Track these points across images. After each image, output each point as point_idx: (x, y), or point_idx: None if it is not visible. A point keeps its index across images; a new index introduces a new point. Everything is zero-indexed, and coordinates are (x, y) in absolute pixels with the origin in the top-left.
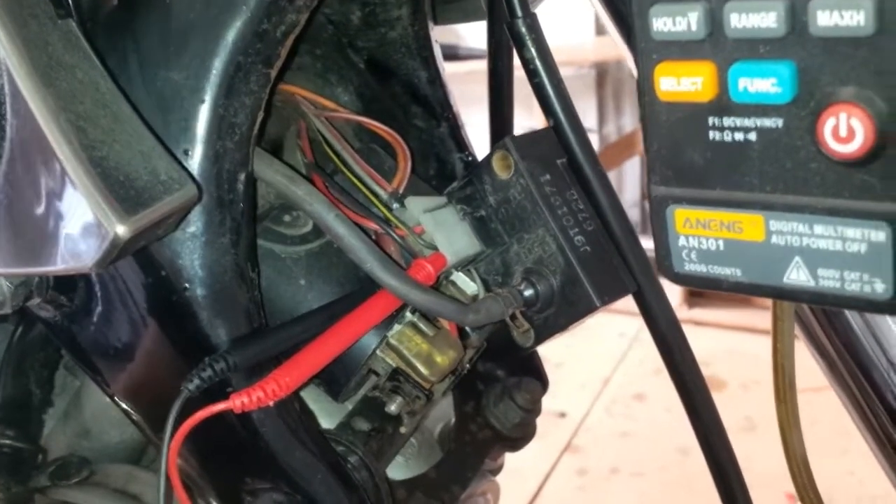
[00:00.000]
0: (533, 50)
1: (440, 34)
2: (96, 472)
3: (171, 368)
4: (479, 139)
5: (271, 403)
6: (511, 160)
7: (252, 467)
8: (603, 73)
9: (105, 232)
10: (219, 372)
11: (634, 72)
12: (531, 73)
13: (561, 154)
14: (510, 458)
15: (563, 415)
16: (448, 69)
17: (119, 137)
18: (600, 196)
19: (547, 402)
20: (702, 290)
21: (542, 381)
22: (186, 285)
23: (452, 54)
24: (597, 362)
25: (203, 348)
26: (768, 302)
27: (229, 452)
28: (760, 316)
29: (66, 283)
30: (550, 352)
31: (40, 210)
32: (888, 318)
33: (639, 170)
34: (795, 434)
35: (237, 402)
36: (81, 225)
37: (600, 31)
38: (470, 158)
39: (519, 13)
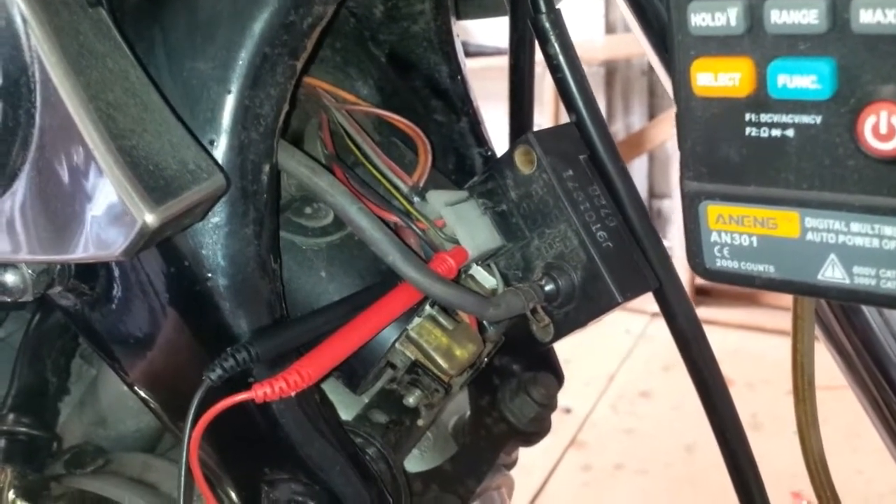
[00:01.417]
0: (557, 45)
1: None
2: (112, 461)
3: (192, 358)
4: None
5: (293, 394)
6: (534, 155)
7: (271, 457)
8: (612, 72)
9: (133, 220)
10: (241, 362)
11: (656, 66)
12: (554, 69)
13: (583, 150)
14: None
15: (568, 411)
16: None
17: (148, 127)
18: (622, 192)
19: None
20: (734, 285)
21: (557, 377)
22: (209, 275)
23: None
24: (603, 359)
25: (224, 338)
26: (776, 301)
27: (248, 442)
28: (767, 315)
29: (88, 272)
30: (557, 348)
31: (68, 198)
32: None
33: (646, 168)
34: (814, 434)
35: (259, 392)
36: (110, 213)
37: (610, 29)
38: (489, 153)
39: (543, 9)
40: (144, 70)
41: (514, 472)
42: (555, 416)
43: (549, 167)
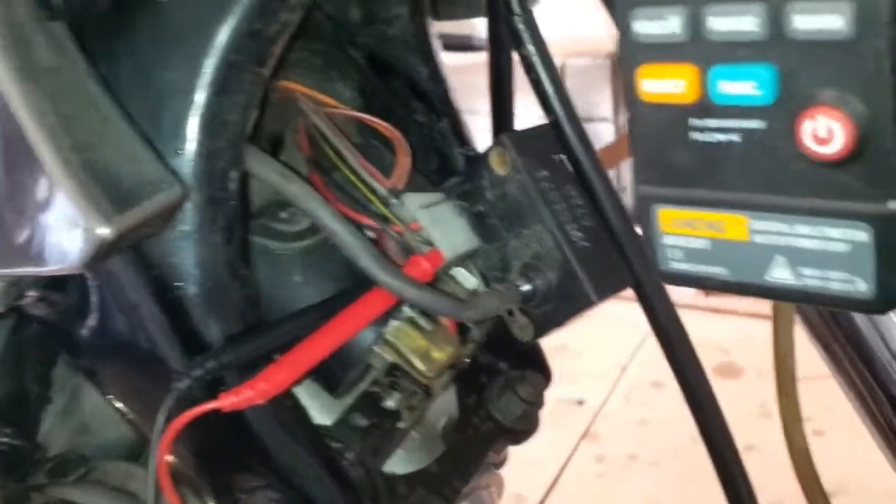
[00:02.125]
0: (530, 46)
1: (455, 26)
2: (94, 470)
3: (165, 368)
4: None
5: (262, 402)
6: (508, 157)
7: (246, 465)
8: (618, 64)
9: (90, 233)
10: (210, 370)
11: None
12: (529, 69)
13: (558, 150)
14: (527, 447)
15: (581, 402)
16: (463, 60)
17: (105, 139)
18: (599, 191)
19: (565, 389)
20: (690, 287)
21: (545, 374)
22: (179, 283)
23: (467, 45)
24: (615, 350)
25: (196, 347)
26: None
27: (224, 450)
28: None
29: (60, 282)
30: (570, 340)
31: (25, 211)
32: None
33: None
34: (798, 428)
35: (226, 401)
36: (67, 226)
37: None
38: (471, 153)
39: (516, 10)
40: (104, 82)
41: (527, 465)
42: (568, 408)
43: (523, 168)
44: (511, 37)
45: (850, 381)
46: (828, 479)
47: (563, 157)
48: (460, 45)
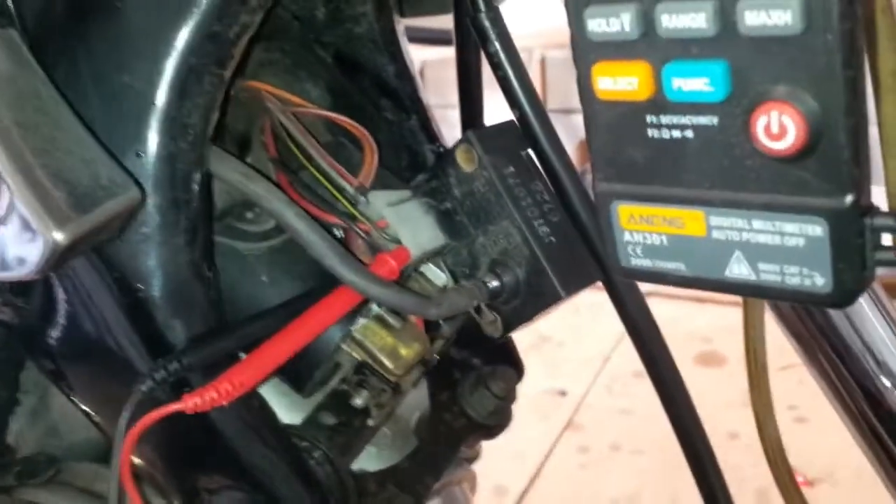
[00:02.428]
0: (497, 44)
1: (435, 21)
2: (63, 471)
3: (129, 370)
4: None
5: (225, 403)
6: (474, 153)
7: (212, 465)
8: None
9: (44, 238)
10: (172, 372)
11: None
12: (495, 67)
13: (525, 146)
14: (510, 438)
15: (563, 393)
16: (443, 54)
17: (60, 144)
18: (567, 186)
19: (548, 380)
20: (649, 283)
21: (517, 369)
22: (141, 286)
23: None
24: (597, 340)
25: (160, 348)
26: None
27: (190, 451)
28: None
29: (23, 286)
30: (552, 331)
31: None
32: (861, 301)
33: None
34: (770, 419)
35: (189, 403)
36: (21, 232)
37: None
38: (441, 150)
39: (482, 7)
40: (58, 88)
41: (510, 456)
42: (550, 399)
43: (489, 165)
44: (477, 34)
45: (824, 371)
46: (814, 466)
47: (529, 153)
48: (440, 39)
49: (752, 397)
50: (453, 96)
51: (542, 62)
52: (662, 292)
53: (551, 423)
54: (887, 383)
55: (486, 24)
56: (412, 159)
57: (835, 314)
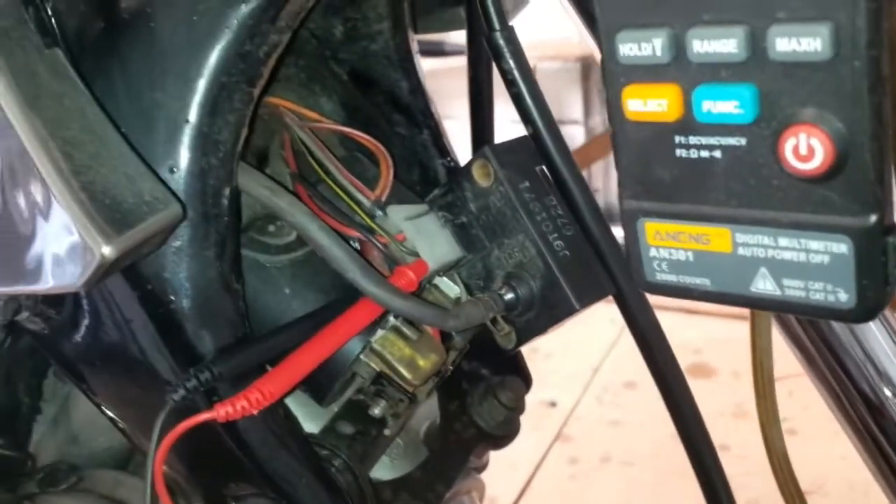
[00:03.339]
0: (511, 62)
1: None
2: (84, 479)
3: (157, 378)
4: (464, 132)
5: (255, 412)
6: (490, 168)
7: (237, 473)
8: (588, 67)
9: (92, 253)
10: (203, 382)
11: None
12: (510, 84)
13: (539, 161)
14: (500, 449)
15: (553, 404)
16: (434, 65)
17: (105, 161)
18: (579, 201)
19: (537, 391)
20: (674, 297)
21: (525, 380)
22: (172, 298)
23: (439, 50)
24: (587, 351)
25: (189, 359)
26: None
27: (215, 459)
28: None
29: (55, 298)
30: (540, 342)
31: (29, 232)
32: None
33: None
34: (775, 430)
35: (221, 412)
36: (69, 246)
37: None
38: (452, 164)
39: (497, 26)
40: (101, 106)
41: (500, 468)
42: (540, 410)
43: (505, 180)
44: (491, 52)
45: (825, 380)
46: (804, 478)
47: (543, 168)
48: (433, 50)
49: (759, 408)
50: (450, 108)
51: (535, 73)
52: (652, 304)
53: (541, 435)
54: (888, 393)
55: (501, 42)
56: (424, 173)
57: (837, 325)
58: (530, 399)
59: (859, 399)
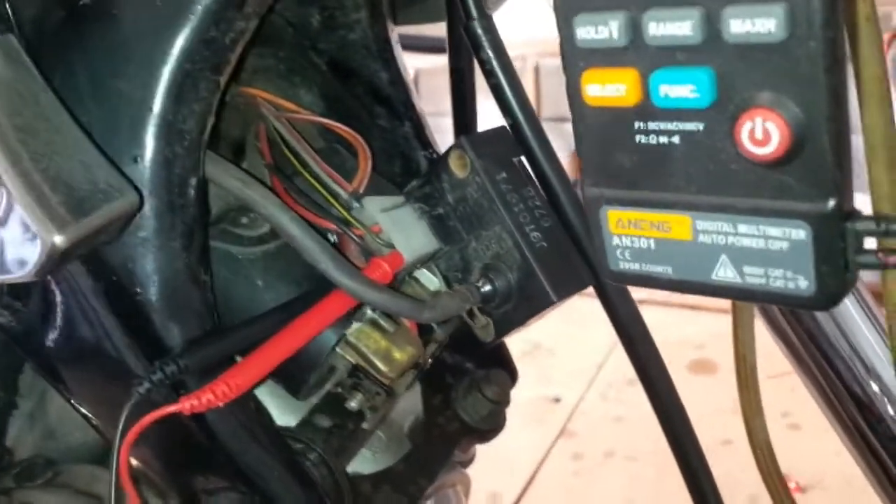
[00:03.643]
0: (490, 51)
1: (429, 28)
2: (61, 473)
3: (127, 373)
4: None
5: (222, 405)
6: (467, 159)
7: (209, 467)
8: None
9: (43, 241)
10: (169, 375)
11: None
12: (488, 74)
13: (517, 152)
14: (503, 445)
15: (557, 400)
16: (433, 62)
17: (59, 149)
18: (559, 192)
19: (541, 387)
20: (637, 286)
21: (510, 373)
22: (138, 289)
23: (439, 46)
24: (591, 347)
25: (156, 351)
26: None
27: (186, 452)
28: None
29: (21, 290)
30: (544, 338)
31: None
32: (850, 307)
33: None
34: (759, 421)
35: (187, 404)
36: (21, 235)
37: None
38: (434, 156)
39: (475, 15)
40: (57, 94)
41: (503, 464)
42: (544, 406)
43: (482, 170)
44: (470, 41)
45: (812, 376)
46: (804, 473)
47: (522, 159)
48: (433, 46)
49: (742, 401)
50: (447, 104)
51: (536, 70)
52: (655, 299)
53: (545, 431)
54: (876, 388)
55: (479, 31)
56: (406, 165)
57: (823, 319)
58: (534, 395)
59: (847, 394)
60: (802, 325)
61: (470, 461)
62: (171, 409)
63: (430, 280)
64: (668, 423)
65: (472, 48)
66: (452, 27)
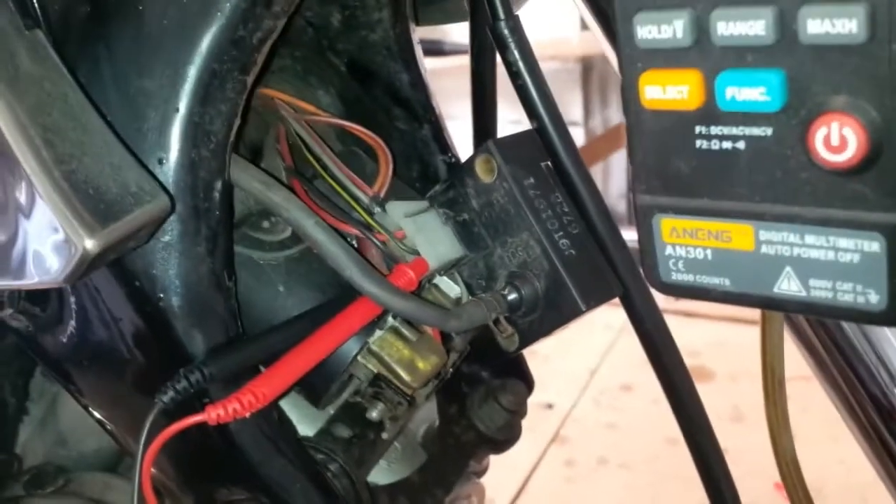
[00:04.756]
0: (516, 52)
1: (425, 30)
2: (72, 481)
3: (146, 379)
4: (464, 133)
5: (248, 415)
6: (494, 164)
7: (229, 477)
8: (588, 68)
9: (74, 247)
10: (194, 383)
11: (616, 67)
12: (514, 76)
13: (544, 157)
14: (501, 453)
15: (550, 406)
16: (434, 65)
17: (88, 150)
18: (585, 198)
19: (534, 393)
20: (690, 299)
21: (527, 383)
22: (161, 295)
23: (438, 49)
24: (584, 354)
25: (179, 359)
26: None
27: (206, 462)
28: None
29: (39, 295)
30: (539, 344)
31: (8, 225)
32: None
33: (625, 162)
34: (785, 434)
35: (213, 414)
36: (50, 240)
37: (585, 26)
38: (453, 160)
39: (502, 15)
40: (85, 92)
41: (496, 470)
42: (537, 412)
43: (509, 175)
44: (496, 42)
45: (835, 383)
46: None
47: (549, 164)
48: (431, 50)
49: (768, 411)
50: (450, 108)
51: None
52: None
53: (538, 437)
54: None
55: (506, 31)
56: (424, 170)
57: (849, 327)
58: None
59: (870, 402)
60: (827, 331)
61: (484, 471)
62: (197, 418)
63: (450, 287)
64: (693, 436)
65: (498, 49)
66: (476, 28)
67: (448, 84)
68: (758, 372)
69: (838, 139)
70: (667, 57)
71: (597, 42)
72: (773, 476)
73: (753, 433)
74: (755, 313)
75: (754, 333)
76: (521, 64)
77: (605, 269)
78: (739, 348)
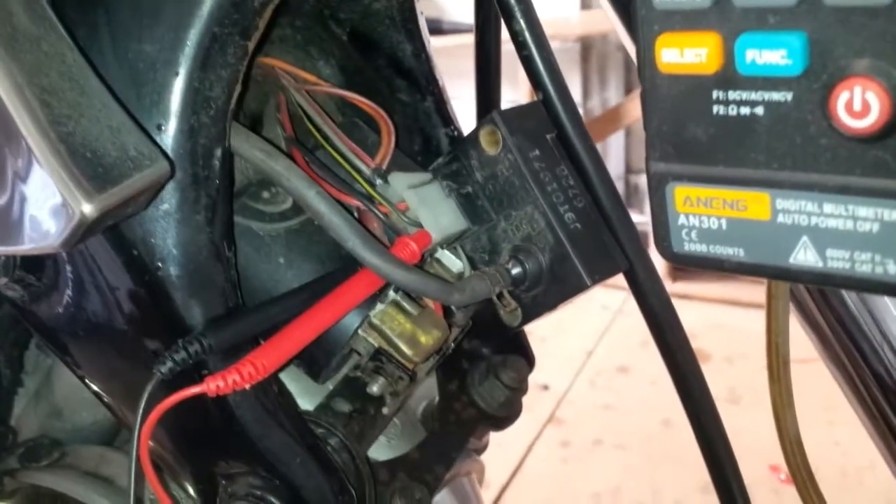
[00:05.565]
0: (522, 22)
1: (423, 9)
2: (68, 454)
3: (144, 350)
4: (462, 113)
5: (247, 387)
6: (499, 135)
7: (228, 451)
8: (588, 48)
9: (71, 211)
10: (193, 354)
11: (626, 43)
12: (520, 46)
13: (550, 128)
14: (501, 430)
15: (546, 387)
16: (432, 43)
17: (86, 112)
18: (591, 171)
19: (530, 374)
20: (703, 269)
21: (528, 360)
22: (159, 264)
23: (436, 28)
24: (580, 335)
25: (177, 329)
26: None
27: (205, 435)
28: (746, 289)
29: (34, 263)
30: (534, 325)
31: (4, 188)
32: None
33: (623, 144)
34: (789, 413)
35: (212, 385)
36: (47, 204)
37: (585, 4)
38: (456, 133)
39: None
40: (83, 52)
41: (491, 450)
42: (532, 393)
43: (514, 147)
44: (502, 12)
45: (839, 361)
46: None
47: (554, 136)
48: (430, 28)
49: (772, 390)
50: (449, 86)
51: None
52: None
53: (534, 417)
54: None
55: (512, 1)
56: (426, 143)
57: (854, 304)
58: None
59: (874, 381)
60: (832, 310)
61: (484, 448)
62: (195, 390)
63: (452, 261)
64: (698, 416)
65: (504, 18)
66: None
67: (447, 63)
68: (754, 354)
69: (860, 104)
70: (685, 18)
71: (596, 22)
72: (769, 458)
73: (749, 415)
74: (752, 296)
75: (751, 316)
76: (527, 34)
77: (611, 243)
78: (736, 330)
